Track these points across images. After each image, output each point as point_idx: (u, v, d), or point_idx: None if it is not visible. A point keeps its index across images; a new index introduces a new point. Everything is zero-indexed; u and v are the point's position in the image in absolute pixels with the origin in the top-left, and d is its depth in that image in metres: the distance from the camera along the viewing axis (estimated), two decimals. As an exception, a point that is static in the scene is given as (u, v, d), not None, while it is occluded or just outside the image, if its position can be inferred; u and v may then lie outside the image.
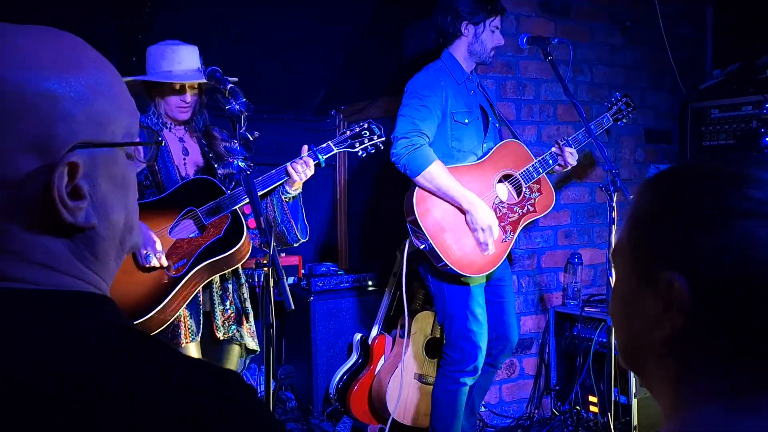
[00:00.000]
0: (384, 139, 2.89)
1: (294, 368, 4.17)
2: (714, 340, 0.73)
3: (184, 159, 2.79)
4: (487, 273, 3.21)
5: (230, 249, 2.59)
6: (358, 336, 4.07)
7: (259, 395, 0.70)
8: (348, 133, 2.91)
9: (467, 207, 3.11)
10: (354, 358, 4.03)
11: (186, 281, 2.55)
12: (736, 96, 4.21)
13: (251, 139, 2.47)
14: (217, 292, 2.74)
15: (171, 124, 2.80)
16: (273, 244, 2.26)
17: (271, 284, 2.29)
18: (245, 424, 0.66)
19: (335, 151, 2.85)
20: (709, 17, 4.77)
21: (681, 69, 4.52)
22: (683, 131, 4.52)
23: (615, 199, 2.96)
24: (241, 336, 2.80)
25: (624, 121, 3.57)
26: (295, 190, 2.82)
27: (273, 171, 2.75)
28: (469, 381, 3.30)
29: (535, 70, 4.08)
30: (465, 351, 3.24)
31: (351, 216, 4.95)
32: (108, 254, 0.77)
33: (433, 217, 3.13)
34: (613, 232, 2.96)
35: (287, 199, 2.83)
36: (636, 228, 0.81)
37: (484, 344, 3.26)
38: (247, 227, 2.64)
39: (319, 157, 2.78)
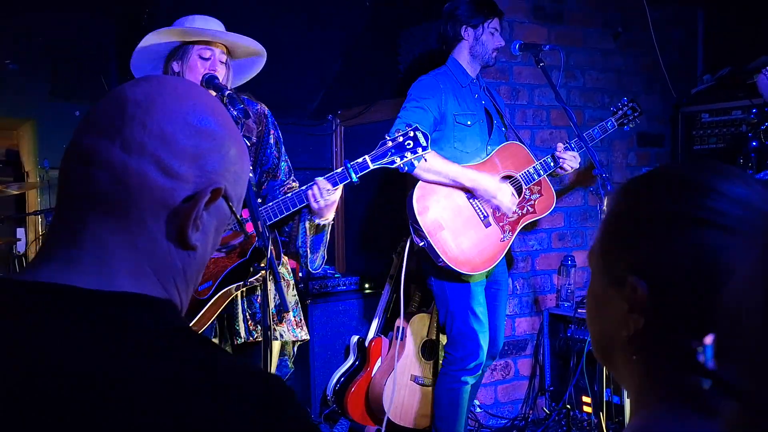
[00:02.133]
0: (429, 151, 2.60)
1: (291, 370, 4.22)
2: (669, 343, 0.77)
3: None
4: (484, 271, 3.25)
5: (256, 274, 2.43)
6: (355, 338, 4.10)
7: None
8: (390, 143, 2.56)
9: (470, 184, 3.18)
10: (351, 360, 4.06)
11: (212, 304, 2.42)
12: (726, 100, 4.26)
13: (248, 144, 2.51)
14: (243, 296, 2.58)
15: None
16: (270, 247, 2.27)
17: (269, 287, 2.31)
18: (282, 426, 0.73)
19: (372, 167, 2.56)
20: (699, 22, 4.82)
21: (672, 74, 4.57)
22: (675, 135, 4.57)
23: (605, 202, 3.01)
24: (281, 335, 2.63)
25: (630, 126, 3.62)
26: (323, 219, 2.56)
27: (291, 194, 2.55)
28: (471, 380, 3.34)
29: (529, 75, 4.13)
30: (467, 349, 3.28)
31: (348, 219, 4.99)
32: (193, 277, 0.90)
33: (431, 215, 3.17)
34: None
35: (311, 229, 2.60)
36: (606, 231, 0.85)
37: (485, 343, 3.30)
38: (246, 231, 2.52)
39: (352, 175, 2.53)
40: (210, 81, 2.47)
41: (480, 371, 3.36)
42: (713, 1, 4.67)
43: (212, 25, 2.56)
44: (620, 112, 3.58)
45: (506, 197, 3.20)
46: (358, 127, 4.85)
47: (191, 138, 0.85)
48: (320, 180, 2.51)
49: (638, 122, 3.66)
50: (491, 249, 3.24)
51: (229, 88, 2.55)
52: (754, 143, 3.14)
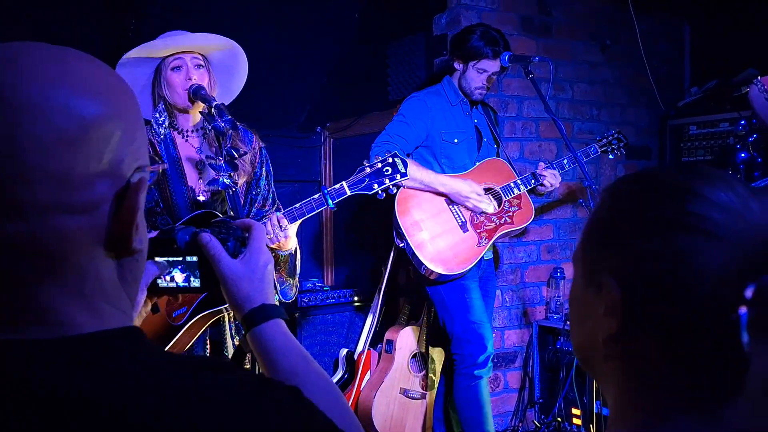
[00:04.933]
0: (407, 177, 2.54)
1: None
2: (644, 347, 0.76)
3: (199, 176, 2.53)
4: (459, 272, 3.28)
5: None
6: (343, 351, 4.08)
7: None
8: (368, 169, 2.49)
9: (444, 189, 3.28)
10: (340, 373, 4.04)
11: (186, 330, 2.32)
12: (714, 113, 4.29)
13: (236, 156, 2.49)
14: (231, 322, 2.49)
15: (183, 128, 2.54)
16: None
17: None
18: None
19: (349, 194, 2.48)
20: (686, 36, 4.86)
21: (660, 86, 4.60)
22: (662, 147, 4.60)
23: (594, 211, 3.01)
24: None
25: (614, 154, 3.68)
26: (283, 252, 2.50)
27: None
28: (484, 373, 3.37)
29: (518, 87, 4.14)
30: (472, 343, 3.33)
31: (337, 231, 4.98)
32: (141, 275, 0.80)
33: (411, 216, 3.29)
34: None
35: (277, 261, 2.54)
36: (588, 232, 0.84)
37: (489, 333, 3.37)
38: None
39: (329, 201, 2.47)
40: (197, 92, 2.45)
41: (490, 364, 3.39)
42: (700, 13, 4.70)
43: (177, 37, 2.51)
44: (604, 140, 3.67)
45: (480, 200, 3.28)
46: (346, 140, 4.85)
47: (86, 151, 0.68)
48: (273, 217, 2.44)
49: (623, 152, 3.70)
50: (467, 252, 3.31)
51: (215, 91, 2.54)
52: (743, 155, 3.15)
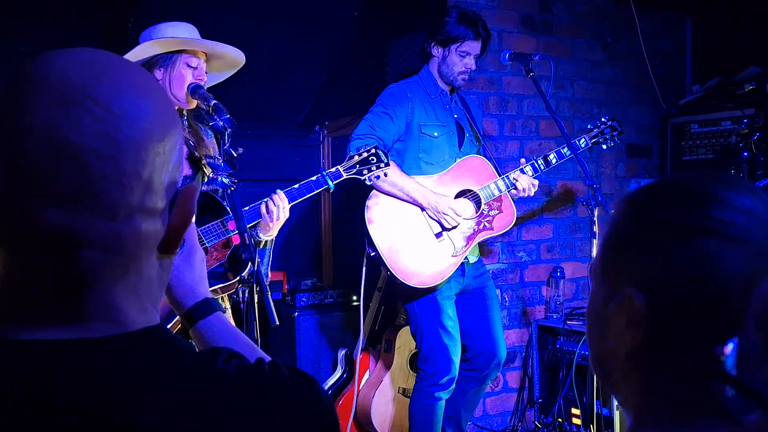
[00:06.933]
0: (390, 167, 2.73)
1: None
2: (668, 359, 0.74)
3: None
4: (433, 284, 3.15)
5: (234, 277, 2.41)
6: (342, 351, 4.06)
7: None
8: (356, 157, 2.69)
9: (422, 201, 3.12)
10: (339, 373, 4.02)
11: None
12: (715, 111, 4.27)
13: (235, 155, 2.47)
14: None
15: None
16: (258, 260, 2.24)
17: (255, 300, 2.28)
18: (327, 418, 0.79)
19: (344, 177, 2.64)
20: (688, 34, 4.84)
21: (661, 84, 4.59)
22: (664, 146, 4.58)
23: (596, 213, 2.98)
24: None
25: (607, 145, 3.46)
26: (268, 235, 2.56)
27: (249, 208, 2.51)
28: (444, 395, 3.28)
29: (518, 85, 4.12)
30: (437, 364, 3.22)
31: (335, 230, 4.96)
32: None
33: (381, 225, 3.13)
34: (595, 246, 2.99)
35: (258, 245, 2.58)
36: (607, 243, 0.82)
37: (457, 357, 3.25)
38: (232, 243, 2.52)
39: (329, 182, 2.58)
40: (195, 90, 2.43)
41: (452, 386, 3.28)
42: (702, 11, 4.69)
43: (191, 32, 2.52)
44: (596, 130, 3.45)
45: (458, 212, 3.13)
46: (345, 138, 4.81)
47: (162, 158, 0.74)
48: (280, 193, 2.48)
49: (618, 141, 3.50)
50: (441, 263, 3.16)
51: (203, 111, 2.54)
52: (745, 154, 3.14)
